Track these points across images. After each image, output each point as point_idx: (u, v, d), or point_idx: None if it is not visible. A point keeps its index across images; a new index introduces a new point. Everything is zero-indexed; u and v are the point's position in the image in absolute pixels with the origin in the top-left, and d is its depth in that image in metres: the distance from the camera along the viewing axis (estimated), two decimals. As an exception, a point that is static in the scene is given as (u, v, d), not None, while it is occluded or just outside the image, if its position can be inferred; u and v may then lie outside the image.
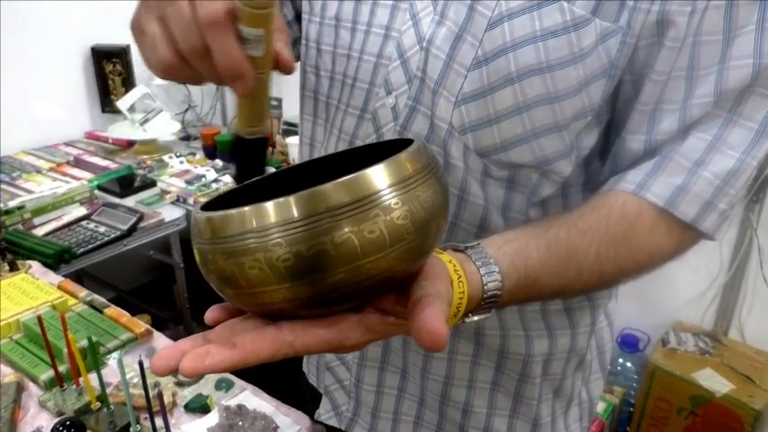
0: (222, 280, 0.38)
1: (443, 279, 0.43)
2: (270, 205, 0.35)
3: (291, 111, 2.29)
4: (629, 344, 1.99)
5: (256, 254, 0.35)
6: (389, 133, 0.64)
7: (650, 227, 0.57)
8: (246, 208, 0.36)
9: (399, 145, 0.43)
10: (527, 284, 0.52)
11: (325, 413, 0.83)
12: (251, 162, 0.54)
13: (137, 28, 0.47)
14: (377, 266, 0.36)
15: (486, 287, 0.49)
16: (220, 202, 0.46)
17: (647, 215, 0.57)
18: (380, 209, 0.36)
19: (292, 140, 2.17)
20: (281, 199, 0.35)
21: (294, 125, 2.32)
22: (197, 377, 0.95)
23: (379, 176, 0.36)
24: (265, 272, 0.36)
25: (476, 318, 0.51)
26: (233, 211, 0.36)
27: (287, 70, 0.50)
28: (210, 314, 0.44)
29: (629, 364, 2.00)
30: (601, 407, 1.89)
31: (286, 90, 2.39)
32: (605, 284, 0.63)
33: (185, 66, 0.45)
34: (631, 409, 1.96)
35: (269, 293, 0.37)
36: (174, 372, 0.36)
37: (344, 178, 0.36)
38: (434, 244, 0.41)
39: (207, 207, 0.43)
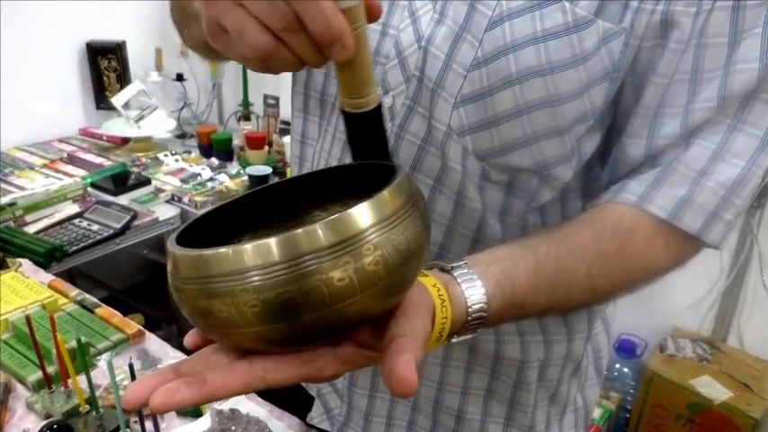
0: (193, 316, 0.38)
1: (421, 313, 0.43)
2: (238, 250, 0.35)
3: (289, 109, 2.28)
4: (626, 349, 1.97)
5: (225, 298, 0.35)
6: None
7: (646, 242, 0.56)
8: (216, 251, 0.36)
9: (385, 171, 0.43)
10: (513, 305, 0.52)
11: (317, 416, 0.82)
12: (366, 141, 0.47)
13: (214, 29, 0.41)
14: (347, 311, 0.36)
15: (470, 309, 0.49)
16: (194, 228, 0.45)
17: (642, 230, 0.56)
18: (351, 256, 0.35)
19: (289, 140, 2.15)
20: (251, 244, 0.35)
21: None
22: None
23: (351, 221, 0.36)
24: (234, 316, 0.36)
25: (461, 338, 0.50)
26: (205, 252, 0.36)
27: (377, 15, 0.42)
28: (189, 339, 0.43)
29: (626, 370, 1.98)
30: (597, 413, 1.88)
31: (283, 88, 2.38)
32: (599, 300, 0.63)
33: (281, 46, 0.40)
34: (628, 415, 1.95)
35: (238, 335, 0.37)
36: (144, 407, 0.36)
37: (315, 225, 0.35)
38: (412, 281, 0.41)
39: (182, 235, 0.42)
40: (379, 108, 0.45)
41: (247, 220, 0.49)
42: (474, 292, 0.49)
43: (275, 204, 0.50)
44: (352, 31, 0.39)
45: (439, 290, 0.46)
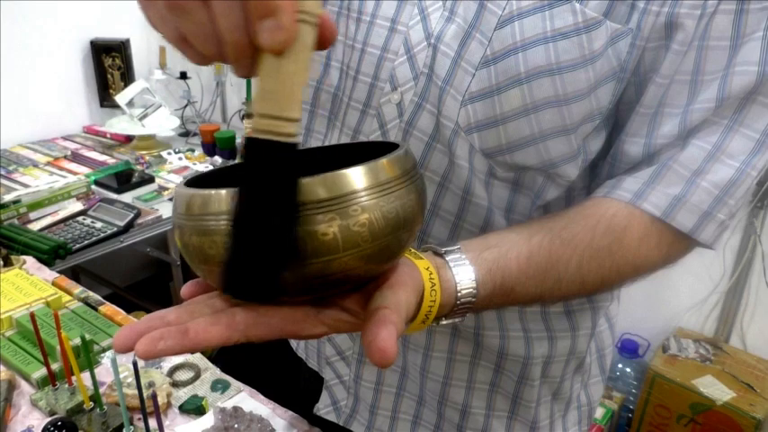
0: (187, 253, 0.40)
1: (408, 288, 0.44)
2: (230, 192, 0.36)
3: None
4: (628, 349, 1.98)
5: (214, 236, 0.37)
6: (394, 130, 0.63)
7: (638, 239, 0.56)
8: (210, 191, 0.37)
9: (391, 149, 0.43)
10: (503, 293, 0.52)
11: (323, 407, 0.82)
12: (266, 184, 0.33)
13: None
14: (329, 267, 0.37)
15: (459, 294, 0.49)
16: (207, 179, 0.46)
17: (636, 227, 0.56)
18: (338, 213, 0.36)
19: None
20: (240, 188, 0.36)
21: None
22: (192, 377, 0.94)
23: (343, 180, 0.37)
24: (221, 255, 0.37)
25: (448, 321, 0.51)
26: (200, 191, 0.38)
27: (330, 40, 0.35)
28: (185, 289, 0.45)
29: (628, 370, 1.98)
30: (599, 412, 1.88)
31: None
32: (588, 293, 0.64)
33: (199, 3, 0.32)
34: (630, 415, 1.95)
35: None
36: (130, 351, 0.37)
37: (308, 178, 0.36)
38: (398, 252, 0.42)
39: (196, 181, 0.44)
40: (294, 146, 0.33)
41: None
42: (464, 277, 0.50)
43: None
44: (297, 15, 0.31)
45: (431, 273, 0.47)
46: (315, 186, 0.36)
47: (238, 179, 0.36)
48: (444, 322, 0.51)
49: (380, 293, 0.41)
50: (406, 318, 0.42)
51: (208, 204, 0.37)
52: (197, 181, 0.44)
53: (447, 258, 0.50)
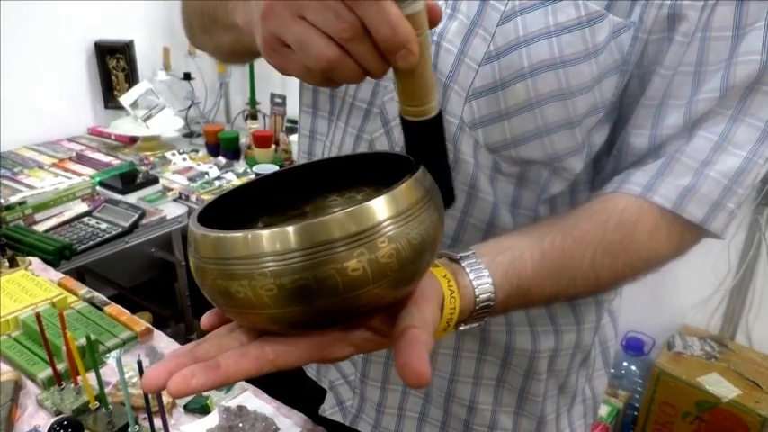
0: (212, 294, 0.39)
1: (432, 303, 0.44)
2: (259, 235, 0.36)
3: (296, 108, 2.28)
4: (634, 347, 1.97)
5: (242, 280, 0.37)
6: (398, 128, 0.63)
7: (649, 233, 0.56)
8: (238, 234, 0.36)
9: (400, 162, 0.43)
10: (519, 295, 0.52)
11: (329, 408, 0.82)
12: (426, 150, 0.44)
13: (273, 44, 0.40)
14: (359, 299, 0.37)
15: (478, 299, 0.49)
16: (216, 206, 0.46)
17: (646, 221, 0.56)
18: (366, 247, 0.36)
19: (296, 138, 2.16)
20: (272, 230, 0.36)
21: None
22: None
23: (368, 213, 0.36)
24: (250, 297, 0.37)
25: (468, 326, 0.51)
26: (227, 234, 0.37)
27: (437, 20, 0.41)
28: (206, 320, 0.45)
29: (633, 368, 1.98)
30: (605, 410, 1.88)
31: (290, 87, 2.38)
32: (601, 289, 0.64)
33: (346, 56, 0.39)
34: (636, 413, 1.95)
35: (253, 315, 0.38)
36: (161, 389, 0.37)
37: (333, 215, 0.36)
38: (423, 274, 0.42)
39: (204, 213, 0.43)
40: (440, 116, 0.43)
41: (265, 200, 0.50)
42: (482, 281, 0.49)
43: (293, 187, 0.51)
44: (417, 36, 0.38)
45: (449, 281, 0.47)
46: (340, 222, 0.36)
47: (247, 204, 0.45)
48: (463, 328, 0.51)
49: (407, 311, 0.41)
50: (434, 333, 0.42)
51: (236, 247, 0.36)
52: (207, 212, 0.44)
53: (463, 264, 0.50)
